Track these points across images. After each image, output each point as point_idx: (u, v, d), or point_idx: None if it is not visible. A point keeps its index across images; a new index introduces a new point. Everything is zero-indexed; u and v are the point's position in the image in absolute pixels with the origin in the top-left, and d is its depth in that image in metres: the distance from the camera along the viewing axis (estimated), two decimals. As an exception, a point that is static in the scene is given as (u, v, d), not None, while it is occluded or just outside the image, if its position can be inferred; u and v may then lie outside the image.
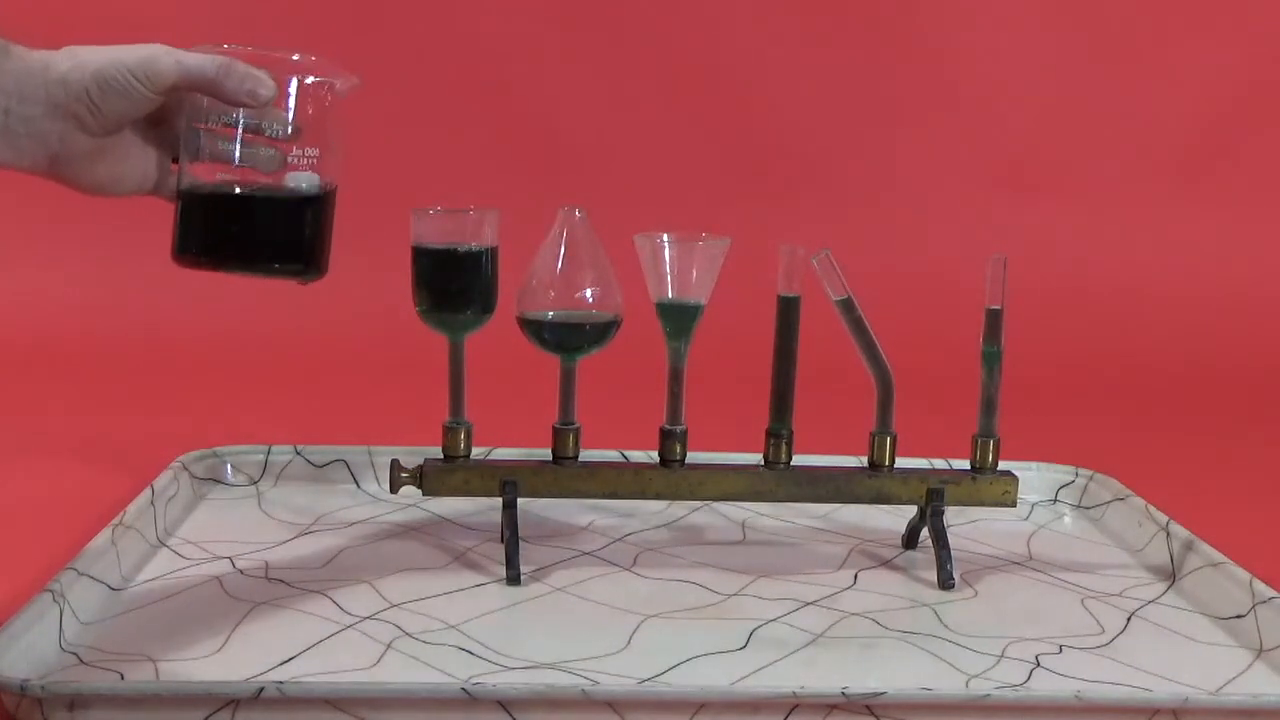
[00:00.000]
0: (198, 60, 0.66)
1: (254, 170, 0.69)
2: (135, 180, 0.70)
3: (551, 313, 0.82)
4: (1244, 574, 0.81)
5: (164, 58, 0.66)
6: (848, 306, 0.83)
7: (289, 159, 0.69)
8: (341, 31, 1.65)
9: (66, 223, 1.61)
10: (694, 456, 0.87)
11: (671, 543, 0.91)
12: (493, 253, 0.83)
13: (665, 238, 0.81)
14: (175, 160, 0.71)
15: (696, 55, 1.74)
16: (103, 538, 0.79)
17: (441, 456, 0.85)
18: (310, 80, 0.70)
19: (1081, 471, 1.04)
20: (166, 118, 0.70)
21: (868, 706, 0.64)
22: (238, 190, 0.69)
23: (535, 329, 0.82)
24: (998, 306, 0.85)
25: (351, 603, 0.78)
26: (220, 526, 0.91)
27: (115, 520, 0.82)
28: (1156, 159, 1.77)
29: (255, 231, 0.70)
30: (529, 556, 0.86)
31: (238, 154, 0.69)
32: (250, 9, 1.61)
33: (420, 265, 0.82)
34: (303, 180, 0.69)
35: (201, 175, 0.69)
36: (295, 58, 0.70)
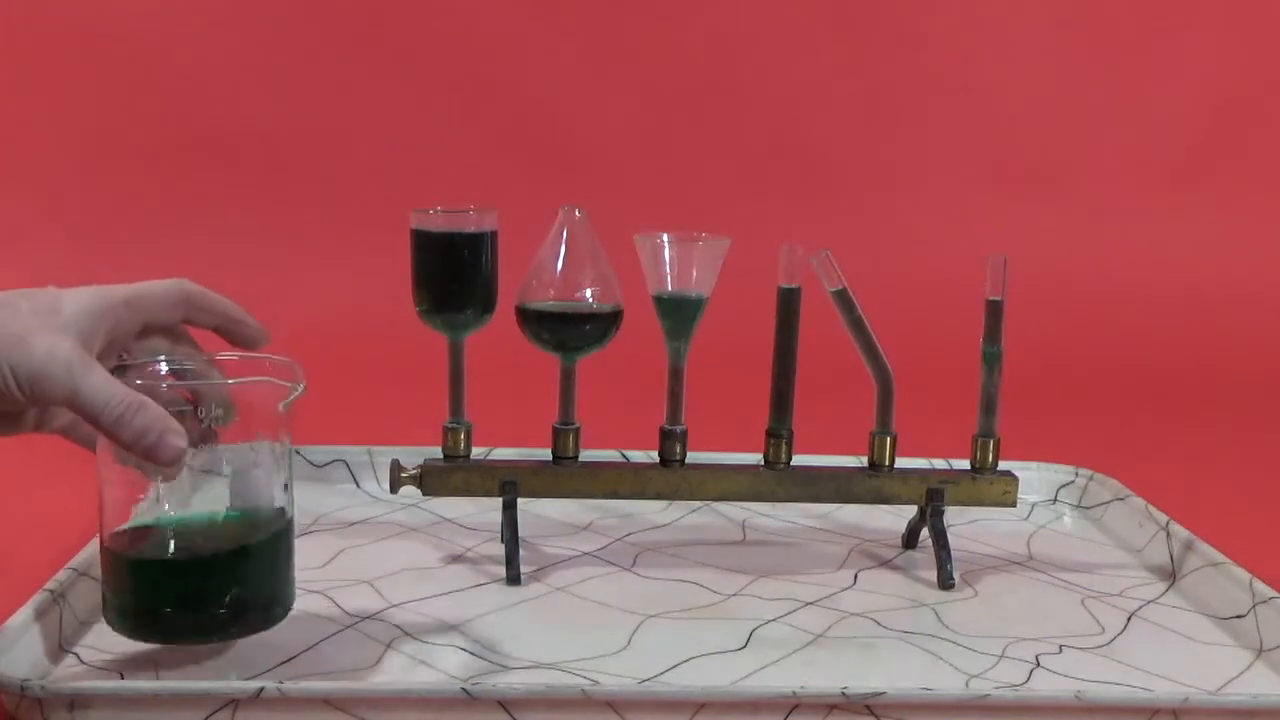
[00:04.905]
0: (97, 393, 0.58)
1: None
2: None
3: (552, 312, 0.82)
4: (1244, 574, 0.81)
5: (61, 375, 0.58)
6: (844, 300, 0.83)
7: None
8: (342, 31, 1.65)
9: (64, 223, 1.61)
10: (694, 456, 0.87)
11: (671, 543, 0.91)
12: (493, 252, 0.82)
13: (665, 237, 0.81)
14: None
15: (697, 55, 1.74)
16: (103, 538, 0.79)
17: (441, 457, 0.85)
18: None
19: (1081, 471, 1.04)
20: None
21: (868, 706, 0.64)
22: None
23: (535, 328, 0.82)
24: (998, 305, 0.85)
25: (351, 603, 0.78)
26: (220, 526, 0.91)
27: (115, 520, 0.82)
28: (1157, 158, 1.77)
29: None
30: (529, 556, 0.86)
31: None
32: (252, 10, 1.62)
33: (420, 265, 0.82)
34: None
35: None
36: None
